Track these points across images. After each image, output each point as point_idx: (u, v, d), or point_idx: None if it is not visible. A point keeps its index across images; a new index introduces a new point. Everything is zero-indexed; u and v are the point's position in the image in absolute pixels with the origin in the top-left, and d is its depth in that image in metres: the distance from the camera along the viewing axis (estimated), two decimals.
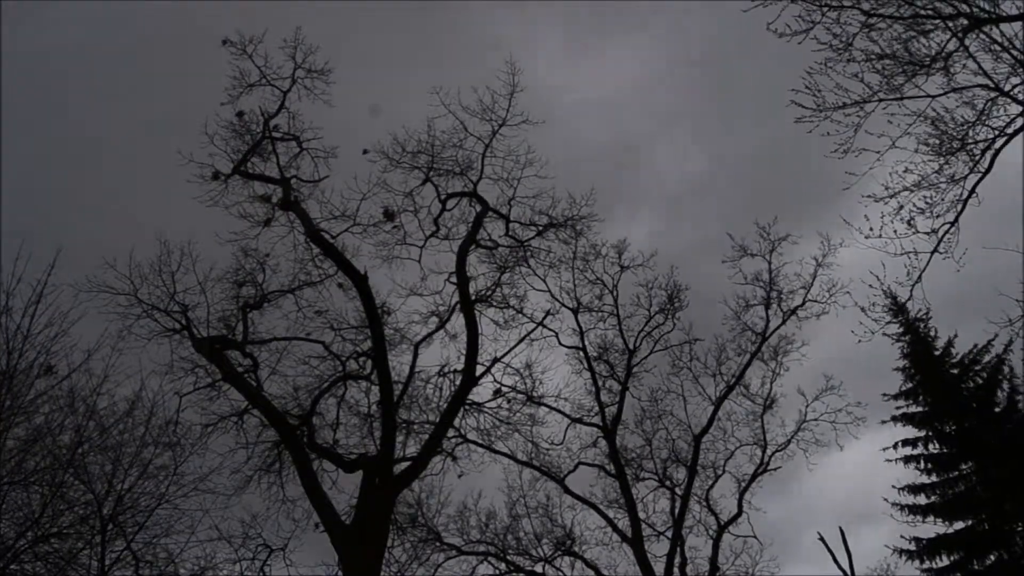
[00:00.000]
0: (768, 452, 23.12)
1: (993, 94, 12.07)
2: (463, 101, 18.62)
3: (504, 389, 20.78)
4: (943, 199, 12.64)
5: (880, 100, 12.44)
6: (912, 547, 24.50)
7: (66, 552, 15.11)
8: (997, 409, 24.88)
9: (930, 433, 25.24)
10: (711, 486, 23.26)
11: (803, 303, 22.86)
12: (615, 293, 23.55)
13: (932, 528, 24.62)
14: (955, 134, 12.38)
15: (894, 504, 24.95)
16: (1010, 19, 11.65)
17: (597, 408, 23.36)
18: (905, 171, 12.66)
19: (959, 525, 24.31)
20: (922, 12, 11.91)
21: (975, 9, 11.66)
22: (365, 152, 18.84)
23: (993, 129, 12.23)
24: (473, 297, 18.92)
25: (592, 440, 23.38)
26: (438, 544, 22.09)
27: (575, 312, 23.48)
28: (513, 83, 18.52)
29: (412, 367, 19.35)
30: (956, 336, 25.69)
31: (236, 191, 18.23)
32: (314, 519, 17.50)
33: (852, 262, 21.46)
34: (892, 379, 25.83)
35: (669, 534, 22.38)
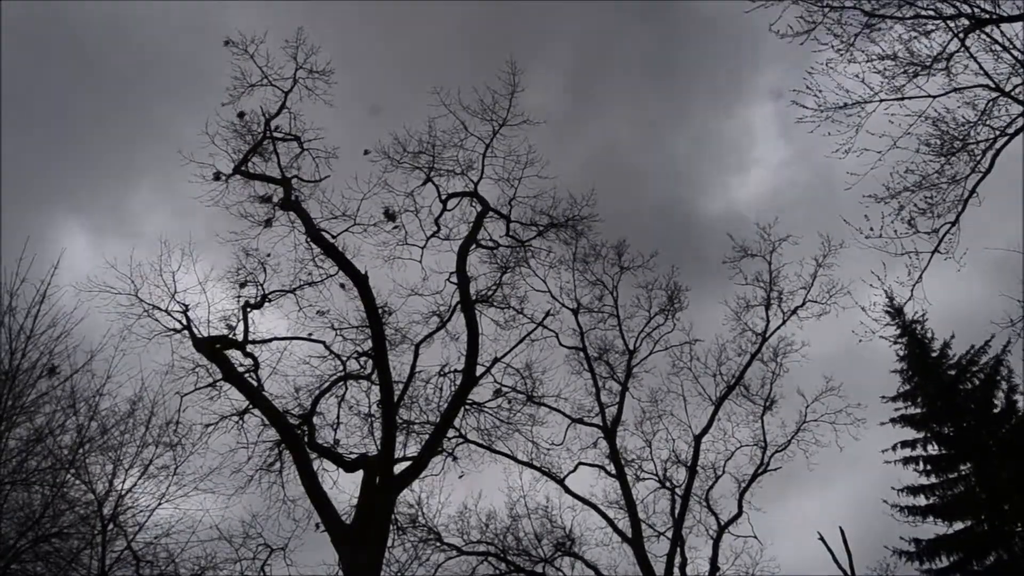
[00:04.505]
0: (768, 453, 23.15)
1: (994, 94, 12.11)
2: (463, 101, 18.71)
3: (504, 389, 20.80)
4: (944, 199, 12.67)
5: (881, 100, 12.50)
6: (912, 548, 24.51)
7: (67, 552, 15.10)
8: (995, 410, 24.91)
9: (928, 435, 25.27)
10: (711, 486, 23.25)
11: (803, 303, 22.93)
12: (615, 294, 23.67)
13: (932, 529, 24.69)
14: (956, 134, 12.42)
15: (893, 505, 25.00)
16: (1011, 19, 11.70)
17: (597, 408, 23.37)
18: (906, 171, 12.71)
19: (958, 526, 24.32)
20: (923, 13, 11.98)
21: (976, 9, 11.71)
22: (366, 152, 18.92)
23: (994, 129, 12.27)
24: (474, 297, 18.93)
25: (592, 440, 23.40)
26: (438, 544, 22.03)
27: (575, 313, 23.59)
28: (513, 83, 18.59)
29: (413, 367, 19.30)
30: (953, 337, 25.84)
31: (237, 191, 18.34)
32: (314, 519, 17.41)
33: (852, 263, 21.48)
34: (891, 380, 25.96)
35: (669, 534, 22.35)
